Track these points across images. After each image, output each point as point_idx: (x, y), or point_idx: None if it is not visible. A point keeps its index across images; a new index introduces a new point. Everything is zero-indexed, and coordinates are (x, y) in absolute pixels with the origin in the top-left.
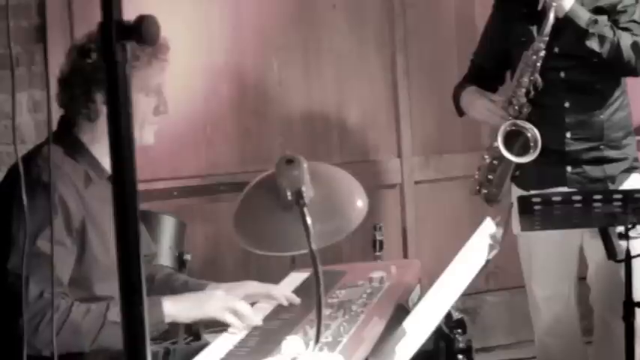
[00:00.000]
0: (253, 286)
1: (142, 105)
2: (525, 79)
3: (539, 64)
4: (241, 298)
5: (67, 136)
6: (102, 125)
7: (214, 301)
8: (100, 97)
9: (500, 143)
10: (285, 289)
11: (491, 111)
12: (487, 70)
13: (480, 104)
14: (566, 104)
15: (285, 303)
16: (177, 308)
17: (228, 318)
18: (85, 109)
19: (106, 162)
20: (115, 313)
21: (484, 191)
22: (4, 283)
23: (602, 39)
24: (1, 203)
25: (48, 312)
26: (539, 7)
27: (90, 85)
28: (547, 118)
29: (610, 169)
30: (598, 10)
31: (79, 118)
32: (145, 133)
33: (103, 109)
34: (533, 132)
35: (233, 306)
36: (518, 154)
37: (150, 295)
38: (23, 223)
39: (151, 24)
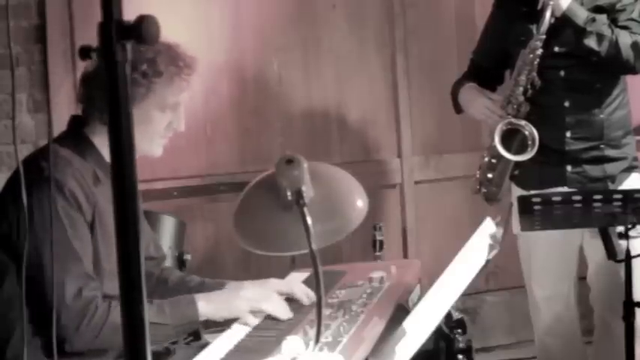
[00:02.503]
0: (275, 285)
1: (155, 121)
2: (523, 78)
3: (536, 63)
4: None
5: (76, 135)
6: None
7: (241, 302)
8: None
9: (497, 142)
10: (305, 287)
11: (490, 109)
12: (486, 69)
13: (479, 103)
14: (566, 103)
15: (307, 302)
16: (210, 307)
17: (252, 321)
18: (98, 112)
19: None
20: (153, 314)
21: (484, 190)
22: (41, 279)
23: (600, 37)
24: (10, 203)
25: (88, 312)
26: (539, 7)
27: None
28: (547, 117)
29: (610, 168)
30: (597, 9)
31: (91, 119)
32: (154, 147)
33: None
34: (530, 129)
35: (259, 307)
36: (517, 152)
37: (165, 298)
38: (52, 221)
39: (151, 24)
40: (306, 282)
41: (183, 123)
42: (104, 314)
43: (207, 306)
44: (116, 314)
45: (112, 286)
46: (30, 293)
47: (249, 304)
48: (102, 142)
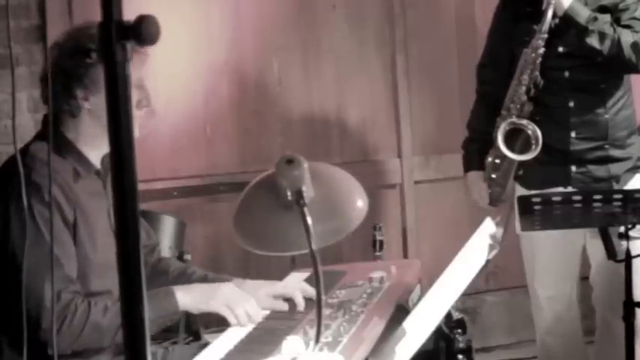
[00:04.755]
0: (278, 289)
1: None
2: (525, 77)
3: (539, 62)
4: (265, 298)
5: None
6: (85, 121)
7: (219, 298)
8: (80, 93)
9: (500, 142)
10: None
11: (478, 202)
12: (495, 83)
13: (473, 194)
14: (571, 104)
15: (302, 308)
16: (188, 298)
17: (227, 314)
18: (66, 105)
19: (92, 156)
20: None
21: (488, 191)
22: (18, 285)
23: (602, 36)
24: None
25: (68, 314)
26: (543, 7)
27: (70, 82)
28: (552, 117)
29: (614, 168)
30: (601, 9)
31: (62, 115)
32: None
33: (84, 105)
34: (533, 128)
35: (235, 308)
36: (520, 152)
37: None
38: (24, 225)
39: (151, 24)
40: (306, 282)
41: (151, 98)
42: (84, 314)
43: (185, 297)
44: (96, 313)
45: (100, 282)
46: (7, 301)
47: (225, 301)
48: (77, 137)
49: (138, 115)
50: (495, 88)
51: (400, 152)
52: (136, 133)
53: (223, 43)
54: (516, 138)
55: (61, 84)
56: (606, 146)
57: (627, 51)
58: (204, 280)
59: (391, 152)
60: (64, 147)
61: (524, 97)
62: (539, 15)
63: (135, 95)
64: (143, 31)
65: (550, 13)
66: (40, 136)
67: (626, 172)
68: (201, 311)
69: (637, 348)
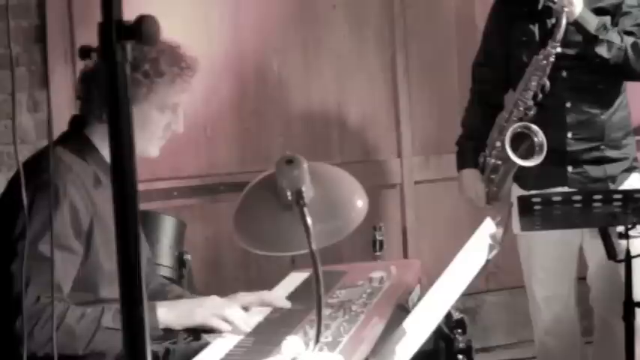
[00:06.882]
0: (244, 298)
1: (154, 120)
2: (534, 83)
3: (548, 69)
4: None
5: (77, 136)
6: None
7: (203, 309)
8: None
9: (507, 146)
10: (278, 292)
11: (474, 200)
12: (491, 82)
13: (469, 192)
14: (568, 104)
15: (280, 305)
16: (170, 315)
17: (216, 324)
18: (97, 109)
19: None
20: (109, 319)
21: (485, 190)
22: (8, 285)
23: (610, 45)
24: (9, 203)
25: (43, 315)
26: (540, 7)
27: None
28: (548, 117)
29: (610, 168)
30: (599, 11)
31: (91, 119)
32: (151, 147)
33: None
34: (540, 137)
35: (221, 313)
36: (522, 157)
37: None
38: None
39: (151, 24)
40: (306, 282)
41: (182, 124)
42: (58, 317)
43: (168, 313)
44: (71, 317)
45: (110, 290)
46: None
47: (211, 310)
48: (101, 142)
49: (163, 137)
50: (491, 87)
51: (400, 152)
52: (156, 153)
53: (223, 43)
54: (520, 142)
55: (98, 87)
56: (602, 147)
57: (632, 58)
58: (179, 299)
59: (391, 152)
60: (88, 151)
61: (531, 102)
62: (536, 15)
63: (166, 119)
64: (143, 31)
65: (564, 22)
66: (64, 136)
67: (622, 172)
68: (185, 327)
69: (637, 348)
